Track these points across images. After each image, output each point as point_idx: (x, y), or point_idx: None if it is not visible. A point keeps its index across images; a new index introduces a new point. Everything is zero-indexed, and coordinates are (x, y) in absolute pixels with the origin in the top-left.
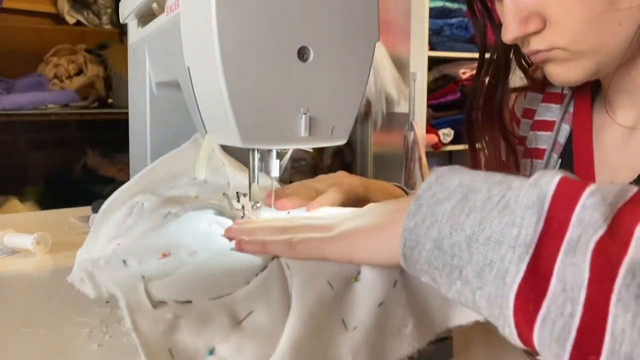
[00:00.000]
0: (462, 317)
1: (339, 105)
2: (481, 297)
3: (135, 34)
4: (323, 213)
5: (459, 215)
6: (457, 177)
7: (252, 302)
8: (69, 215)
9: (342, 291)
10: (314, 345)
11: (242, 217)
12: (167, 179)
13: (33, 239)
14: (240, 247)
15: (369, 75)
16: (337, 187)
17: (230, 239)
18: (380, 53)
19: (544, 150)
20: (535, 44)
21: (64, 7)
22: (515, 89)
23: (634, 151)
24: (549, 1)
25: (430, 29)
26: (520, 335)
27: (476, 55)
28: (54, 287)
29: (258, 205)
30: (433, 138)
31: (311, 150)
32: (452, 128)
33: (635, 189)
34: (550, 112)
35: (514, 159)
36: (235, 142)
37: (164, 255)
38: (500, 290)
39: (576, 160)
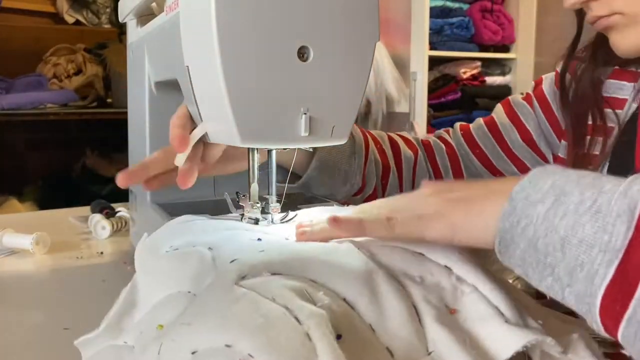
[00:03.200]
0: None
1: (339, 105)
2: (570, 293)
3: (134, 33)
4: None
5: (553, 218)
6: (550, 178)
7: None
8: (68, 215)
9: None
10: None
11: (242, 218)
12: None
13: (32, 239)
14: (335, 224)
15: (369, 75)
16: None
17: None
18: (380, 53)
19: (612, 128)
20: (596, 10)
21: (63, 7)
22: (611, 62)
23: None
24: None
25: (430, 29)
26: (606, 330)
27: (476, 54)
28: (53, 287)
29: (258, 205)
30: None
31: (311, 150)
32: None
33: None
34: (622, 90)
35: (602, 131)
36: (235, 141)
37: None
38: (589, 290)
39: (639, 142)
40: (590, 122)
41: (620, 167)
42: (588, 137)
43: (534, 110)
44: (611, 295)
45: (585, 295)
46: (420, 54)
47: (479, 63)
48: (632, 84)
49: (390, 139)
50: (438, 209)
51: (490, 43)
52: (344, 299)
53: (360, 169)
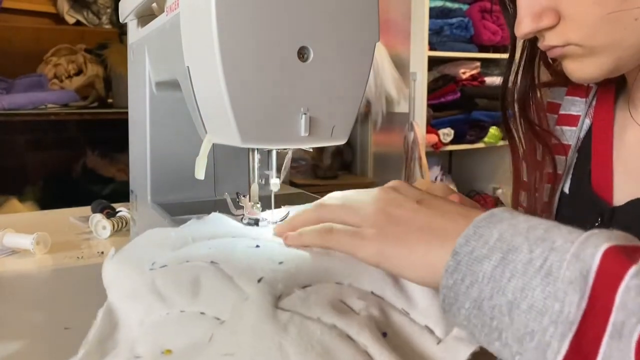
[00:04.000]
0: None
1: (339, 105)
2: None
3: (135, 33)
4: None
5: (500, 278)
6: (497, 228)
7: None
8: (69, 215)
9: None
10: None
11: (242, 219)
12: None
13: (32, 239)
14: (285, 242)
15: (369, 75)
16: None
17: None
18: (380, 53)
19: (569, 146)
20: (550, 40)
21: (64, 7)
22: (543, 84)
23: None
24: None
25: (430, 29)
26: None
27: (475, 55)
28: (54, 287)
29: (258, 205)
30: (433, 138)
31: (311, 150)
32: (452, 128)
33: None
34: (575, 105)
35: (549, 155)
36: (235, 142)
37: None
38: None
39: (594, 158)
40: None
41: (576, 185)
42: (546, 157)
43: None
44: None
45: None
46: (419, 54)
47: (478, 63)
48: (584, 99)
49: None
50: (375, 233)
51: (490, 43)
52: (372, 292)
53: None
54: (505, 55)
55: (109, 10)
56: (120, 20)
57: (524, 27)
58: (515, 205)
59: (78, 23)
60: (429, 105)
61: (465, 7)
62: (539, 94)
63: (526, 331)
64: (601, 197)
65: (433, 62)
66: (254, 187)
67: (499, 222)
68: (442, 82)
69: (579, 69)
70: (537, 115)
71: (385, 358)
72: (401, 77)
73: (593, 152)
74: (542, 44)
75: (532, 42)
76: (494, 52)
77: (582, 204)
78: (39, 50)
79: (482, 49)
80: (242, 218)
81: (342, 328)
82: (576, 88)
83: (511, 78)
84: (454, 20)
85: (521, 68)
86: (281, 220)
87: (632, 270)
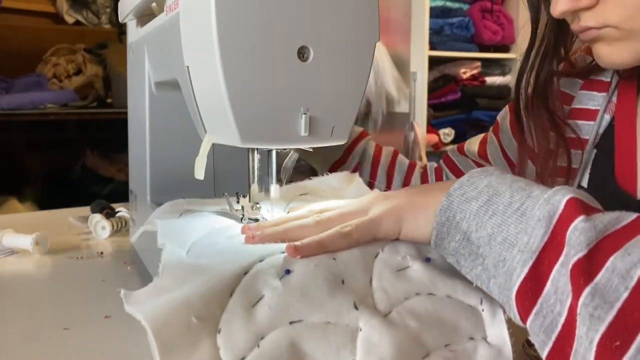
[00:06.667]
0: None
1: (339, 105)
2: (494, 284)
3: (134, 33)
4: (331, 203)
5: (484, 215)
6: (487, 178)
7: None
8: (68, 215)
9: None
10: None
11: (242, 218)
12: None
13: (32, 239)
14: (294, 254)
15: (369, 75)
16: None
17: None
18: (380, 53)
19: (586, 140)
20: (586, 20)
21: (63, 7)
22: (561, 73)
23: None
24: None
25: (430, 29)
26: (520, 319)
27: (476, 54)
28: (53, 287)
29: (258, 206)
30: (433, 138)
31: (311, 150)
32: (452, 128)
33: (629, 218)
34: (592, 100)
35: (564, 148)
36: (235, 141)
37: None
38: (507, 284)
39: (618, 152)
40: (554, 143)
41: (598, 179)
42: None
43: (500, 145)
44: (524, 290)
45: (504, 287)
46: (420, 54)
47: (479, 63)
48: (603, 94)
49: (395, 152)
50: (387, 208)
51: (490, 43)
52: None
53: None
54: (506, 55)
55: (108, 10)
56: (120, 20)
57: (561, 5)
58: None
59: (77, 23)
60: (429, 105)
61: (465, 6)
62: (556, 84)
63: (500, 259)
64: (625, 190)
65: (433, 62)
66: (254, 188)
67: (490, 174)
68: (442, 82)
69: (610, 54)
70: (554, 104)
71: None
72: (401, 76)
73: (617, 147)
74: (576, 25)
75: (554, 29)
76: (495, 51)
77: (604, 198)
78: (38, 50)
79: (483, 48)
80: (242, 218)
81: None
82: (593, 82)
83: (529, 65)
84: (454, 19)
85: (539, 56)
86: None
87: (583, 215)
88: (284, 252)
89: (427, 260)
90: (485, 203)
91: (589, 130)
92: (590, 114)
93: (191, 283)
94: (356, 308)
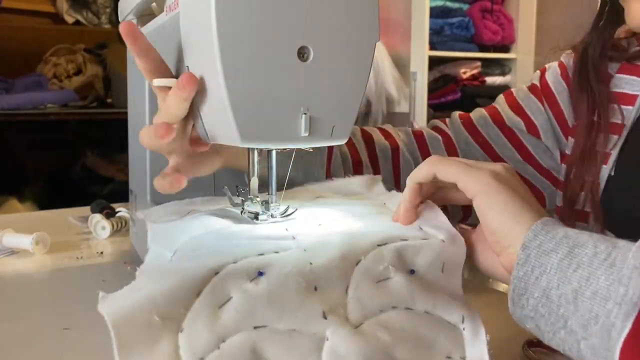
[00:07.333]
0: None
1: (339, 105)
2: (586, 346)
3: None
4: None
5: (567, 269)
6: (561, 228)
7: None
8: (68, 215)
9: None
10: None
11: (242, 212)
12: None
13: (32, 239)
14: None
15: (369, 75)
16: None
17: None
18: (380, 53)
19: (621, 125)
20: None
21: (63, 7)
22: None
23: None
24: None
25: (430, 29)
26: None
27: (476, 54)
28: (53, 287)
29: (258, 199)
30: None
31: (311, 150)
32: None
33: None
34: (630, 85)
35: (604, 127)
36: (235, 141)
37: None
38: (605, 343)
39: None
40: (596, 119)
41: (634, 163)
42: (594, 133)
43: (542, 105)
44: (629, 347)
45: (601, 348)
46: (420, 54)
47: (479, 63)
48: None
49: (364, 132)
50: (490, 180)
51: (490, 43)
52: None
53: (322, 164)
54: (506, 55)
55: (108, 10)
56: (120, 20)
57: None
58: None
59: (77, 23)
60: (429, 105)
61: (465, 6)
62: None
63: (590, 316)
64: None
65: (433, 62)
66: (254, 181)
67: (560, 224)
68: (442, 82)
69: None
70: (604, 82)
71: None
72: (401, 76)
73: None
74: None
75: (613, 6)
76: (495, 51)
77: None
78: (38, 50)
79: (483, 48)
80: (242, 212)
81: None
82: (632, 67)
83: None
84: (454, 19)
85: (597, 31)
86: (282, 215)
87: None
88: (261, 254)
89: (412, 272)
90: (566, 255)
91: (625, 115)
92: (627, 98)
93: (161, 282)
94: (325, 317)
